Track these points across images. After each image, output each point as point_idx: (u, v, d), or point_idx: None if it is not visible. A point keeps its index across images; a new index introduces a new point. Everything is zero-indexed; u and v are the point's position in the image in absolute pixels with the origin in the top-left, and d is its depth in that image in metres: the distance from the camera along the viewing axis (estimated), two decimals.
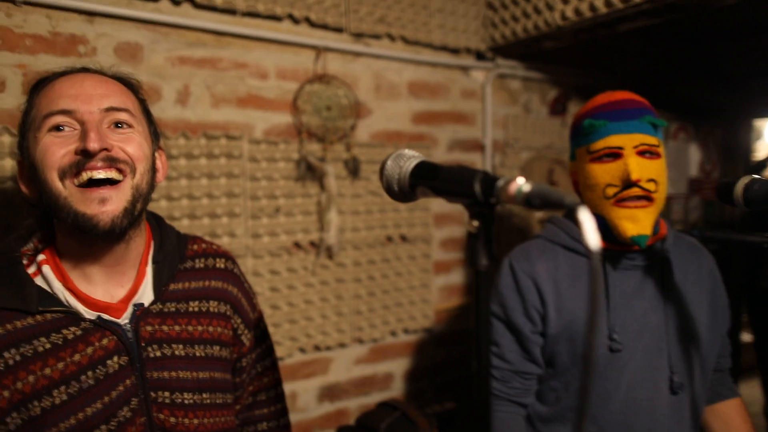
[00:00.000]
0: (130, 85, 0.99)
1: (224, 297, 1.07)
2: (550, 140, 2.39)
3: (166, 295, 0.99)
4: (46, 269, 0.91)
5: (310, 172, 1.78)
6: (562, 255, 1.25)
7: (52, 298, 0.89)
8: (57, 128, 0.87)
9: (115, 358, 0.90)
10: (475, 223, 0.61)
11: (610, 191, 1.16)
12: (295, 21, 1.75)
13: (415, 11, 1.97)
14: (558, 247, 1.26)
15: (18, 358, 0.85)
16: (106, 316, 0.92)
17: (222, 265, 1.10)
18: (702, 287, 1.27)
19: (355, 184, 1.87)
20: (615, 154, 1.15)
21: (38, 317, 0.88)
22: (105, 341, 0.90)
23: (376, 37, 1.91)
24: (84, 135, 0.86)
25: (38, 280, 0.91)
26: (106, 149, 0.87)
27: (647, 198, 1.15)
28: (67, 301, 0.90)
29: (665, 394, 1.18)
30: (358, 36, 1.87)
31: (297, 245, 1.78)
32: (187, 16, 1.59)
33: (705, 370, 1.23)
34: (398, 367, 2.02)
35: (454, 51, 2.11)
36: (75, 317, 0.89)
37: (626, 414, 1.16)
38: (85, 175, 0.87)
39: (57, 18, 1.42)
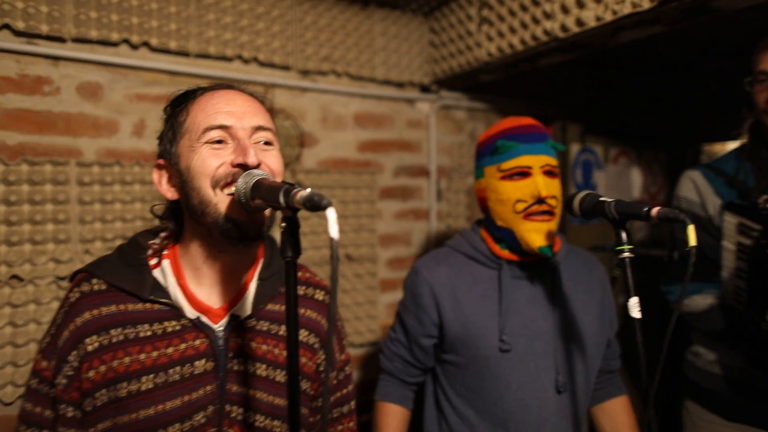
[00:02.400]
0: (263, 104, 1.03)
1: (316, 329, 1.07)
2: None
3: (263, 313, 1.01)
4: (166, 263, 0.97)
5: None
6: (462, 262, 1.39)
7: (163, 291, 0.95)
8: (217, 142, 0.92)
9: (203, 361, 0.93)
10: (283, 224, 0.76)
11: (520, 206, 1.28)
12: (245, 61, 1.95)
13: (360, 50, 2.17)
14: (460, 255, 1.40)
15: (121, 337, 0.91)
16: (204, 319, 0.96)
17: (321, 297, 1.11)
18: (592, 295, 1.39)
19: None
20: (524, 173, 1.28)
21: (147, 305, 0.94)
22: (198, 342, 0.94)
23: (322, 73, 2.11)
24: (242, 150, 0.91)
25: (156, 272, 0.97)
26: (258, 164, 0.92)
27: (550, 213, 1.29)
28: (175, 297, 0.95)
29: (551, 393, 1.29)
30: (305, 73, 2.07)
31: None
32: (144, 58, 1.78)
33: (589, 372, 1.34)
34: None
35: (399, 85, 2.30)
36: (178, 313, 0.94)
37: (516, 412, 1.27)
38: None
39: (25, 62, 1.62)
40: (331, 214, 0.64)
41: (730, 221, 1.47)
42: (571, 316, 1.33)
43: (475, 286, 1.34)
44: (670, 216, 0.90)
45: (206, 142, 0.92)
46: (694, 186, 1.65)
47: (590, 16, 1.63)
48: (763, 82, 1.50)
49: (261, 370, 0.98)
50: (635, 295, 0.94)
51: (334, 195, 2.11)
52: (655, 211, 0.93)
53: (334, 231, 0.63)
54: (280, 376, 0.99)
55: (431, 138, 2.35)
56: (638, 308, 0.94)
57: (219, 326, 0.96)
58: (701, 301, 1.57)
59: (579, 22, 1.66)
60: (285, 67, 2.02)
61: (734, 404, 1.60)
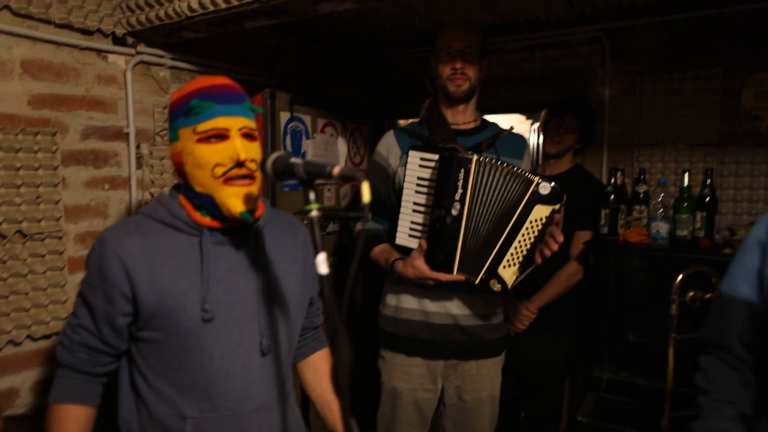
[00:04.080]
0: None
1: None
2: None
3: None
4: None
5: None
6: (159, 231, 1.27)
7: None
8: None
9: None
10: None
11: (219, 170, 1.20)
12: None
13: None
14: (157, 222, 1.28)
15: None
16: None
17: None
18: (295, 257, 1.43)
19: None
20: (222, 135, 1.21)
21: None
22: None
23: None
24: None
25: None
26: None
27: (251, 176, 1.24)
28: None
29: (256, 357, 1.30)
30: None
31: None
32: None
33: (292, 331, 1.39)
34: (24, 380, 1.80)
35: (86, 32, 1.97)
36: None
37: (221, 380, 1.24)
38: None
39: None
40: None
41: (412, 159, 1.82)
42: (274, 279, 1.35)
43: (174, 255, 1.25)
44: (348, 174, 0.97)
45: None
46: (385, 142, 1.98)
47: None
48: (448, 55, 1.85)
49: None
50: (321, 251, 0.99)
51: None
52: (336, 170, 0.99)
53: None
54: None
55: (129, 97, 2.10)
56: (326, 264, 1.00)
57: None
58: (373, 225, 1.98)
59: None
60: None
61: (414, 341, 1.90)
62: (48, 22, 1.85)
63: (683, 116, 2.66)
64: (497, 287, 1.70)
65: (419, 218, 1.83)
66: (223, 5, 1.80)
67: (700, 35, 2.59)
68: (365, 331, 3.19)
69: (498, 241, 1.69)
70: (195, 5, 1.85)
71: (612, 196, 2.43)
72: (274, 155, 1.11)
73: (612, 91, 2.81)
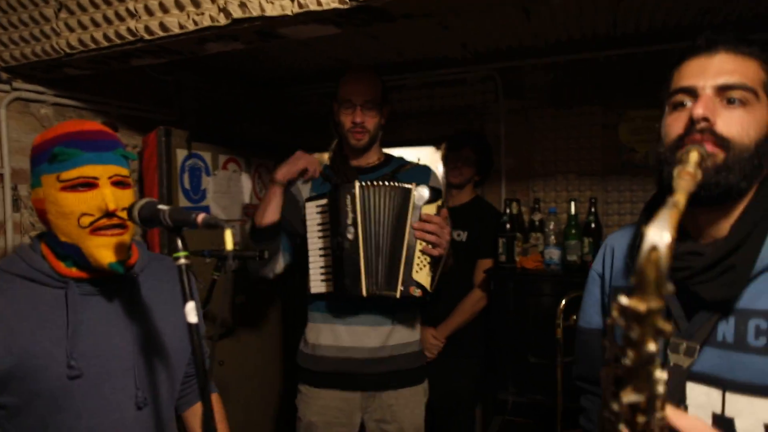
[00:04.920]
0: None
1: None
2: None
3: None
4: None
5: None
6: (20, 285, 1.18)
7: None
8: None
9: None
10: None
11: (86, 220, 1.15)
12: None
13: None
14: (16, 277, 1.19)
15: None
16: None
17: None
18: (176, 303, 1.37)
19: None
20: (90, 184, 1.15)
21: None
22: None
23: None
24: None
25: None
26: None
27: (122, 226, 1.19)
28: None
29: (131, 411, 1.22)
30: None
31: None
32: None
33: (173, 380, 1.33)
34: None
35: None
36: None
37: None
38: None
39: None
40: None
41: (309, 209, 1.89)
42: (152, 328, 1.29)
43: (35, 310, 1.16)
44: (211, 222, 0.96)
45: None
46: (291, 191, 1.98)
47: (174, 22, 1.62)
48: (348, 108, 1.91)
49: None
50: (190, 299, 0.96)
51: None
52: (200, 218, 0.97)
53: None
54: None
55: (2, 135, 1.96)
56: (195, 313, 0.97)
57: None
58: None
59: (163, 27, 1.64)
60: None
61: (330, 375, 1.92)
62: None
63: (570, 149, 2.86)
64: (418, 292, 1.76)
65: (327, 261, 1.85)
66: (105, 43, 1.74)
67: (580, 76, 2.81)
68: (285, 368, 3.11)
69: (402, 250, 1.76)
70: (74, 42, 1.78)
71: (508, 225, 2.55)
72: (141, 202, 1.08)
73: (506, 126, 2.98)
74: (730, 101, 0.88)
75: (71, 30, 1.79)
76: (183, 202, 2.41)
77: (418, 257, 1.77)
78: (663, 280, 0.51)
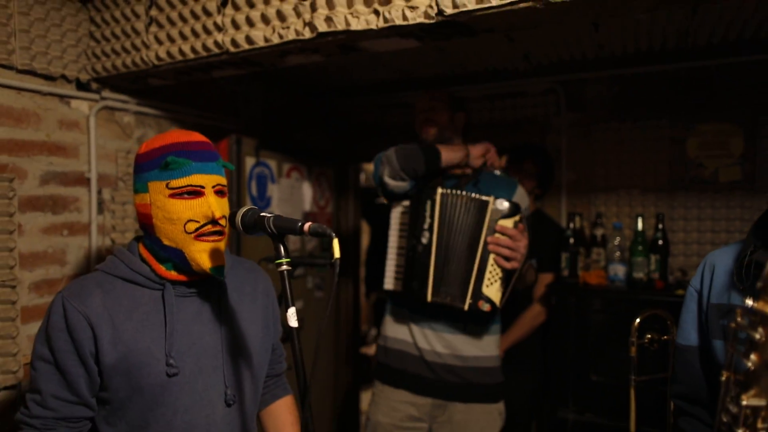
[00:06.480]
0: None
1: None
2: None
3: None
4: None
5: None
6: (120, 287, 1.25)
7: None
8: None
9: None
10: None
11: (192, 226, 1.20)
12: None
13: None
14: (117, 279, 1.26)
15: None
16: None
17: None
18: (257, 304, 1.42)
19: None
20: (197, 192, 1.21)
21: None
22: None
23: None
24: None
25: None
26: None
27: (221, 233, 1.25)
28: None
29: (220, 408, 1.27)
30: None
31: None
32: None
33: (256, 380, 1.37)
34: None
35: (49, 78, 1.96)
36: None
37: None
38: None
39: None
40: None
41: (395, 209, 1.95)
42: (237, 328, 1.34)
43: (136, 310, 1.23)
44: (319, 231, 0.99)
45: None
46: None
47: (259, 35, 1.69)
48: (420, 116, 2.06)
49: None
50: (292, 305, 1.00)
51: None
52: (306, 226, 1.00)
53: None
54: None
55: (91, 142, 2.07)
56: (296, 317, 1.00)
57: None
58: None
59: (249, 40, 1.71)
60: None
61: (402, 374, 1.94)
62: (10, 68, 1.83)
63: (635, 163, 2.80)
64: (486, 307, 1.75)
65: (402, 261, 1.89)
66: (191, 55, 1.82)
67: (646, 88, 2.76)
68: (345, 370, 3.15)
69: (474, 262, 1.76)
70: (163, 54, 1.87)
71: (571, 240, 2.52)
72: (244, 209, 1.12)
73: (568, 139, 2.94)
74: None
75: (160, 43, 1.88)
76: (267, 212, 2.50)
77: (491, 271, 1.77)
78: None
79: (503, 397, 1.98)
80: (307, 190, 2.90)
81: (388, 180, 1.86)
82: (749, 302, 0.52)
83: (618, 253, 2.46)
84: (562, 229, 2.66)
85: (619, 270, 2.43)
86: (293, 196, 2.80)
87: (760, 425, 0.54)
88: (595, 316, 2.39)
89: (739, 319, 0.53)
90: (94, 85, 2.10)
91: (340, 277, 2.02)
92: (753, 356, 0.52)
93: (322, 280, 2.99)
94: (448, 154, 1.89)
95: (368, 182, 3.58)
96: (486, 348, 1.93)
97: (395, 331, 1.97)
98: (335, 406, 3.12)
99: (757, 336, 0.51)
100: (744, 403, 0.54)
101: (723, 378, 0.61)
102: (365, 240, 3.47)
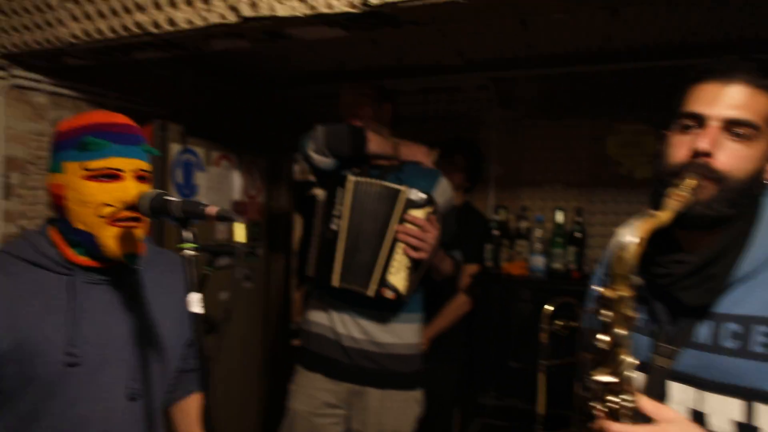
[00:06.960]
0: None
1: None
2: None
3: None
4: None
5: None
6: (24, 270, 1.19)
7: None
8: None
9: None
10: None
11: (107, 210, 1.16)
12: None
13: None
14: (21, 261, 1.20)
15: None
16: None
17: None
18: (176, 297, 1.38)
19: None
20: (115, 176, 1.16)
21: None
22: None
23: None
24: None
25: None
26: None
27: (138, 219, 1.20)
28: None
29: (121, 402, 1.23)
30: None
31: None
32: None
33: (166, 374, 1.33)
34: None
35: None
36: None
37: (78, 428, 1.16)
38: None
39: None
40: None
41: (319, 195, 1.94)
42: (150, 321, 1.30)
43: (39, 295, 1.17)
44: (223, 215, 0.98)
45: None
46: None
47: (181, 17, 1.64)
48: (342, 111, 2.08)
49: None
50: (198, 291, 0.99)
51: None
52: (210, 210, 0.99)
53: None
54: None
55: None
56: (200, 304, 0.99)
57: None
58: None
59: (171, 22, 1.66)
60: None
61: (321, 358, 1.95)
62: None
63: (559, 159, 2.93)
64: (390, 294, 1.78)
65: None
66: (110, 35, 1.75)
67: (572, 88, 2.89)
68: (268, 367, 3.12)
69: (380, 249, 1.78)
70: (78, 32, 1.78)
71: (496, 232, 2.60)
72: (151, 192, 1.10)
73: (498, 134, 3.03)
74: (734, 135, 0.93)
75: (76, 20, 1.79)
76: (174, 196, 2.43)
77: (397, 260, 1.78)
78: (630, 273, 0.59)
79: (421, 386, 2.02)
80: (237, 179, 2.86)
81: (312, 153, 1.90)
82: (597, 289, 0.57)
83: (539, 245, 2.57)
84: (488, 221, 2.74)
85: (539, 261, 2.54)
86: (222, 184, 2.74)
87: (610, 398, 0.60)
88: (517, 306, 2.50)
89: (591, 304, 0.59)
90: (2, 62, 1.97)
91: (269, 267, 2.01)
92: (603, 337, 0.58)
93: (252, 271, 2.95)
94: (377, 143, 1.91)
95: (303, 175, 3.57)
96: (403, 336, 1.96)
97: (315, 315, 1.98)
98: (263, 399, 3.10)
99: (606, 319, 0.57)
100: (595, 378, 0.60)
101: (580, 358, 0.68)
102: (298, 231, 3.45)
